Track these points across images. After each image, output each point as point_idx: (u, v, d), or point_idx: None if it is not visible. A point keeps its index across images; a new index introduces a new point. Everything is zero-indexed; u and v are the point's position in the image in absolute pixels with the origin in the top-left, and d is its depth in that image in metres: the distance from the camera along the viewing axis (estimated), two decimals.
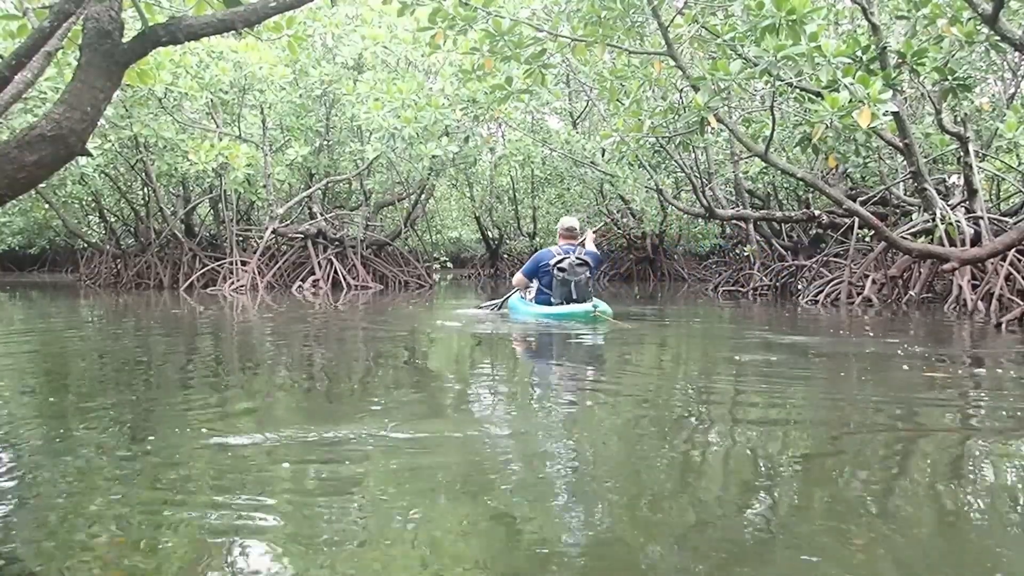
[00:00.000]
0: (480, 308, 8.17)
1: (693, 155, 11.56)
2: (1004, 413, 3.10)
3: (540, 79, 6.46)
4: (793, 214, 11.51)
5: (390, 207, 16.48)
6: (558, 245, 7.15)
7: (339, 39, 12.33)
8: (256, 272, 12.70)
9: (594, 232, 7.84)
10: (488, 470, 2.32)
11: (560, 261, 6.90)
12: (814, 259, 10.86)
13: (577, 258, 6.91)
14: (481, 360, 5.03)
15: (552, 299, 6.94)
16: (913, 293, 8.56)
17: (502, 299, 7.92)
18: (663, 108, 7.43)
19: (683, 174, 11.34)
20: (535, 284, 7.22)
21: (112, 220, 16.42)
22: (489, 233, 20.35)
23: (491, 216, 19.83)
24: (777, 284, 11.64)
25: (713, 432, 2.83)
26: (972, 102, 8.36)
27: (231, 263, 12.94)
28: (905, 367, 4.24)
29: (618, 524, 1.88)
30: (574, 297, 6.85)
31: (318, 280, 13.26)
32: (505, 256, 20.06)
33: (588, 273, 6.93)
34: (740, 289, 12.15)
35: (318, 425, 2.84)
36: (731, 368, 4.49)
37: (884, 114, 4.84)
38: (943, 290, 8.75)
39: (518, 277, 7.47)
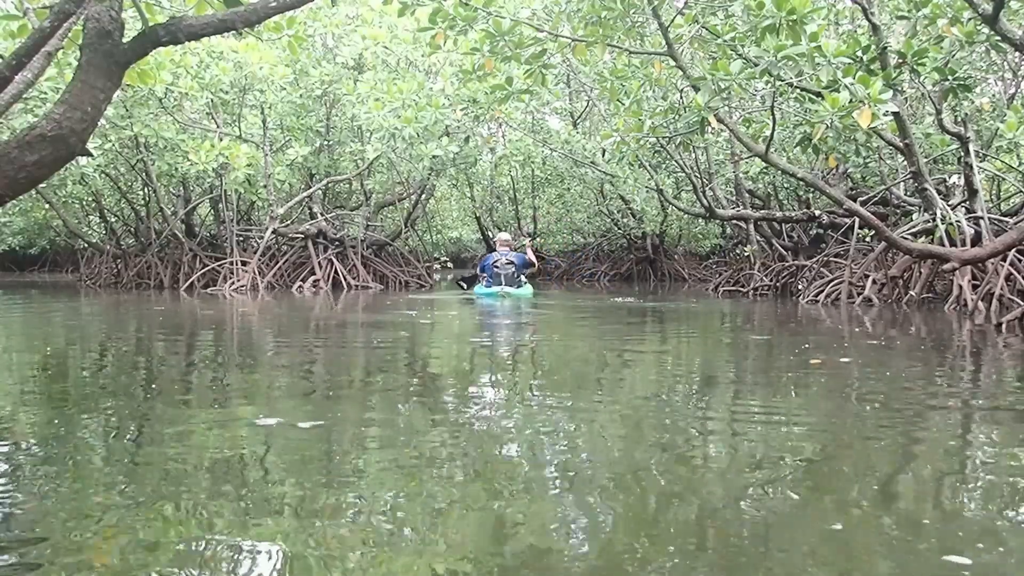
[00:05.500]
0: (458, 281, 13.52)
1: (693, 155, 11.54)
2: (1002, 415, 3.10)
3: (540, 79, 6.46)
4: (793, 214, 11.51)
5: (390, 207, 16.44)
6: (497, 251, 11.93)
7: (339, 39, 12.32)
8: (256, 272, 12.69)
9: (529, 245, 13.61)
10: (486, 470, 2.32)
11: (495, 261, 11.63)
12: (814, 259, 10.84)
13: (506, 260, 11.61)
14: (480, 360, 5.03)
15: (492, 285, 11.44)
16: (913, 293, 8.56)
17: (468, 279, 12.89)
18: (663, 108, 7.42)
19: (683, 174, 11.34)
20: (485, 275, 11.85)
21: (112, 220, 16.38)
22: (489, 233, 20.32)
23: (491, 216, 19.81)
24: (777, 284, 11.62)
25: (712, 432, 2.83)
26: (972, 102, 8.36)
27: (231, 263, 12.93)
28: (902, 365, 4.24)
29: (618, 526, 1.87)
30: (503, 283, 11.36)
31: (318, 280, 13.24)
32: None
33: (513, 269, 11.56)
34: (740, 289, 12.14)
35: (318, 422, 2.84)
36: (729, 366, 4.48)
37: (884, 114, 4.84)
38: (943, 290, 8.73)
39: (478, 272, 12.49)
